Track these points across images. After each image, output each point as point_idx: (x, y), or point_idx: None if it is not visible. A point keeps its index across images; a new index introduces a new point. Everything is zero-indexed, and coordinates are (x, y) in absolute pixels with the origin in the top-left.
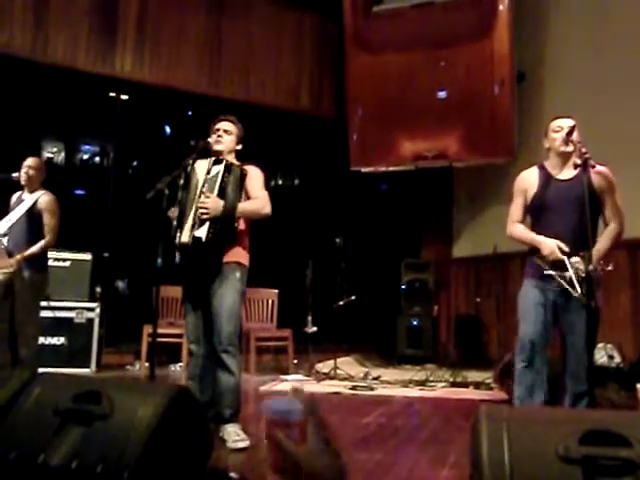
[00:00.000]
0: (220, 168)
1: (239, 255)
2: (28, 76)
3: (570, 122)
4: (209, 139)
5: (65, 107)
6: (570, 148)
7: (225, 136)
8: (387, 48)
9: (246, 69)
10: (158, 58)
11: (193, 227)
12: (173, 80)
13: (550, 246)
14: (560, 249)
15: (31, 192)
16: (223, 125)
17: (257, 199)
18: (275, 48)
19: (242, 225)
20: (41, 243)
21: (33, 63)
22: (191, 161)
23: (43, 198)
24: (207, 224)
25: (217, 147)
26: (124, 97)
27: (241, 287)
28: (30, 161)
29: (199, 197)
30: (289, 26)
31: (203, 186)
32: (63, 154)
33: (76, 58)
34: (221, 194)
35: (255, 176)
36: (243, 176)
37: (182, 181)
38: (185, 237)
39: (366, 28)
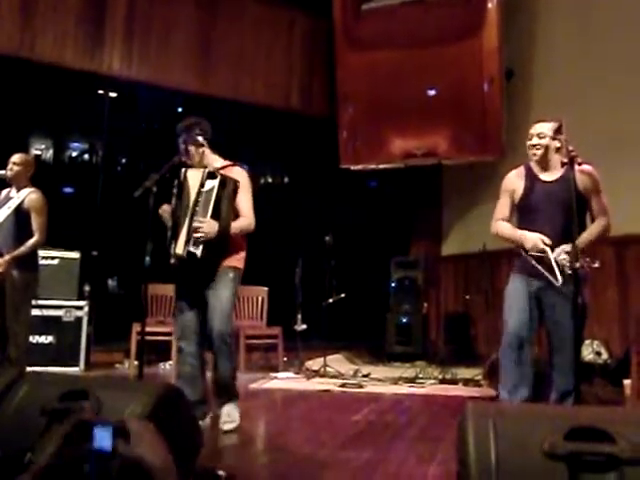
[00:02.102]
0: (215, 183)
1: (234, 260)
2: (15, 73)
3: (544, 127)
4: (198, 137)
5: (53, 104)
6: (537, 157)
7: (192, 147)
8: (377, 46)
9: (236, 67)
10: (147, 55)
11: (188, 242)
12: (162, 78)
13: (533, 239)
14: (543, 242)
15: (18, 189)
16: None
17: (244, 217)
18: (265, 46)
19: (238, 237)
20: (30, 242)
21: (20, 60)
22: (183, 169)
23: (30, 196)
24: (202, 245)
25: (190, 161)
26: (113, 94)
27: (234, 286)
28: (15, 157)
29: (193, 211)
30: (279, 23)
31: (197, 200)
32: (51, 151)
33: (64, 55)
34: (215, 212)
35: (244, 186)
36: (236, 190)
37: (175, 190)
38: (180, 249)
39: (356, 26)
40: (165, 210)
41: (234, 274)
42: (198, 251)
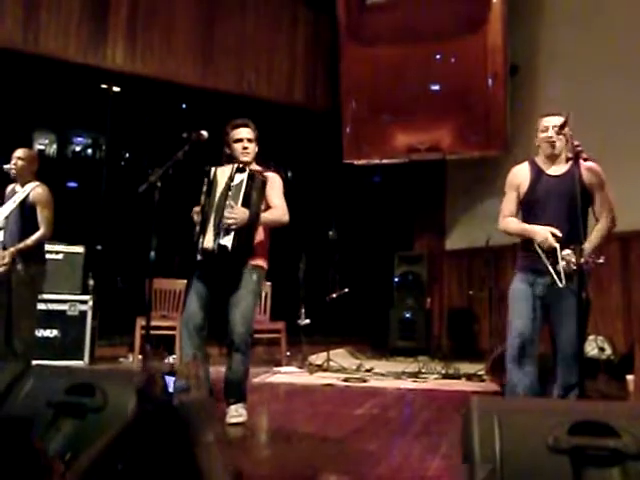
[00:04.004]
0: (244, 176)
1: (259, 258)
2: (19, 67)
3: (557, 120)
4: (202, 132)
5: (57, 99)
6: (557, 150)
7: (249, 145)
8: (380, 41)
9: (239, 61)
10: (150, 50)
11: (217, 235)
12: (165, 72)
13: (543, 233)
14: (554, 235)
15: (23, 184)
16: (245, 134)
17: (276, 208)
18: (268, 40)
19: (262, 235)
20: (36, 235)
21: (24, 54)
22: (213, 168)
23: (36, 190)
24: (232, 233)
25: (244, 158)
26: (116, 89)
27: (257, 289)
28: (19, 152)
29: (223, 204)
30: (283, 18)
31: (227, 194)
32: (55, 146)
33: (67, 49)
34: (245, 202)
35: (275, 184)
36: (264, 184)
37: (205, 187)
38: (209, 243)
39: (359, 21)
40: (196, 212)
41: (258, 275)
42: (229, 242)
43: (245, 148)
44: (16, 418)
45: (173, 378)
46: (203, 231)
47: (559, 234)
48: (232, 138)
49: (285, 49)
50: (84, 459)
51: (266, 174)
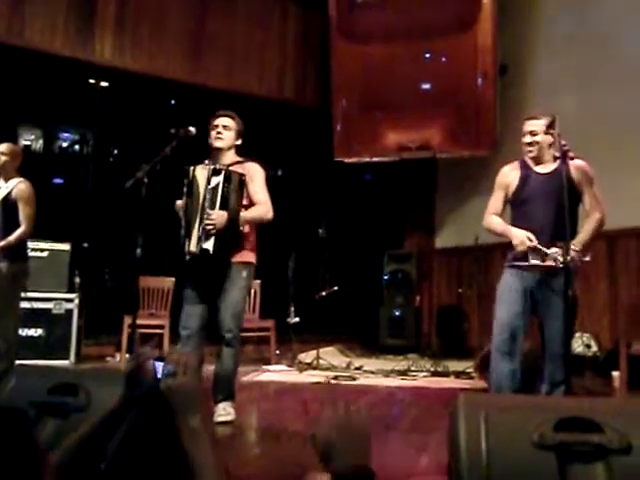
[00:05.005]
0: (220, 179)
1: (246, 256)
2: (4, 60)
3: (535, 125)
4: (190, 128)
5: (43, 93)
6: (533, 154)
7: (225, 132)
8: (371, 39)
9: (229, 57)
10: (139, 45)
11: (200, 239)
12: (154, 67)
13: (519, 237)
14: (529, 239)
15: (6, 180)
16: (222, 121)
17: (260, 205)
18: (259, 36)
19: (247, 228)
20: (17, 233)
21: (9, 47)
22: (192, 167)
23: (18, 187)
24: (213, 238)
25: (217, 144)
26: (104, 84)
27: (247, 285)
28: (2, 147)
29: (203, 208)
30: (273, 14)
31: (205, 197)
32: (41, 141)
33: (54, 42)
34: (224, 204)
35: (257, 178)
36: (242, 182)
37: (185, 188)
38: (193, 247)
39: (350, 18)
40: (180, 206)
41: (247, 272)
42: (210, 246)
43: (219, 133)
44: (12, 408)
45: (162, 363)
46: (188, 234)
47: (535, 240)
48: (210, 126)
49: (275, 45)
50: (70, 442)
51: (245, 165)
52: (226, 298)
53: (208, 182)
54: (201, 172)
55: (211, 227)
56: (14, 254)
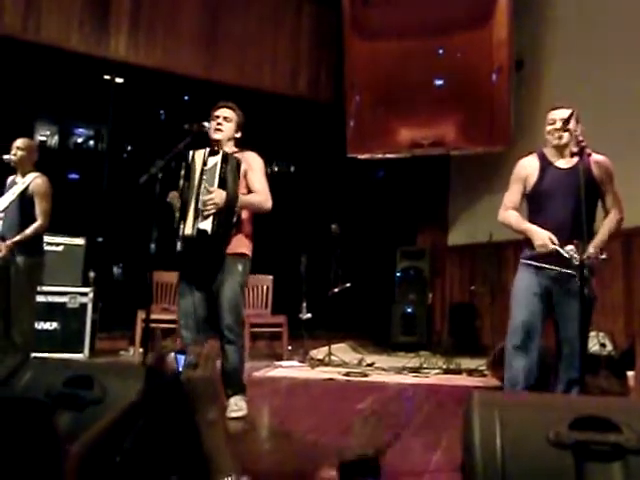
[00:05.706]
0: (217, 159)
1: (242, 245)
2: (20, 57)
3: (564, 113)
4: (204, 123)
5: (59, 89)
6: (564, 141)
7: (225, 124)
8: (385, 35)
9: (243, 53)
10: (153, 41)
11: (196, 219)
12: (168, 63)
13: (542, 237)
14: (552, 241)
15: (23, 175)
16: (222, 112)
17: (258, 193)
18: (272, 32)
19: (245, 214)
20: (33, 227)
21: (25, 43)
22: (191, 151)
23: (35, 181)
24: (211, 217)
25: (216, 136)
26: (119, 80)
27: (243, 278)
28: (19, 142)
29: (199, 189)
30: (286, 10)
31: (202, 178)
32: (57, 137)
33: (69, 39)
34: (221, 184)
35: (255, 166)
36: (239, 165)
37: (183, 171)
38: (189, 229)
39: (364, 14)
40: (174, 196)
41: (243, 264)
42: (208, 226)
43: (219, 124)
44: (33, 399)
45: (183, 356)
46: (183, 217)
47: (556, 241)
48: (211, 117)
49: (289, 41)
50: (90, 434)
51: (244, 154)
52: (223, 293)
53: (205, 163)
54: (198, 154)
55: (211, 205)
56: (30, 248)
